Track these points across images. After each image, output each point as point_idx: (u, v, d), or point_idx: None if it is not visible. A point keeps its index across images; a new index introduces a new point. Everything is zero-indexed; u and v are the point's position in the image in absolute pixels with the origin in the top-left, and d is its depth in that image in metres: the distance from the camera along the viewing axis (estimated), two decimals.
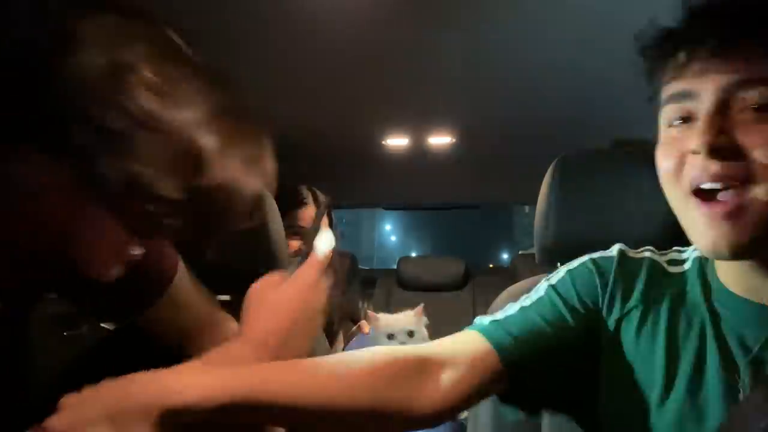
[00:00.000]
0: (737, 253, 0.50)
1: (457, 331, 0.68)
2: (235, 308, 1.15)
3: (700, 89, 0.51)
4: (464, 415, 1.24)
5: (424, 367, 0.58)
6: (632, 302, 0.62)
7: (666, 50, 0.54)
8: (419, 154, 1.86)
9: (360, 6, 0.92)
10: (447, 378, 0.58)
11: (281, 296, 0.61)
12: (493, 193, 2.65)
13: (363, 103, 1.42)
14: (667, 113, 0.55)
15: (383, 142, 1.75)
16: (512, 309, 0.65)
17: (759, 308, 0.54)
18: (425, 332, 1.29)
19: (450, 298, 2.50)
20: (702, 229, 0.51)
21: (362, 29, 1.00)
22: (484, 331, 0.61)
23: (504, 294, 1.06)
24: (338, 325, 1.61)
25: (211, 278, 1.11)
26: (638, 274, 0.63)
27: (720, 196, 0.49)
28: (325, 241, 0.66)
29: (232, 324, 0.88)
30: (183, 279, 0.79)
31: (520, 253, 3.06)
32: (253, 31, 1.01)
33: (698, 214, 0.51)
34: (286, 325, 0.59)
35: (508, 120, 1.55)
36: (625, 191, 0.88)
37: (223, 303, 1.12)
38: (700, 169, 0.50)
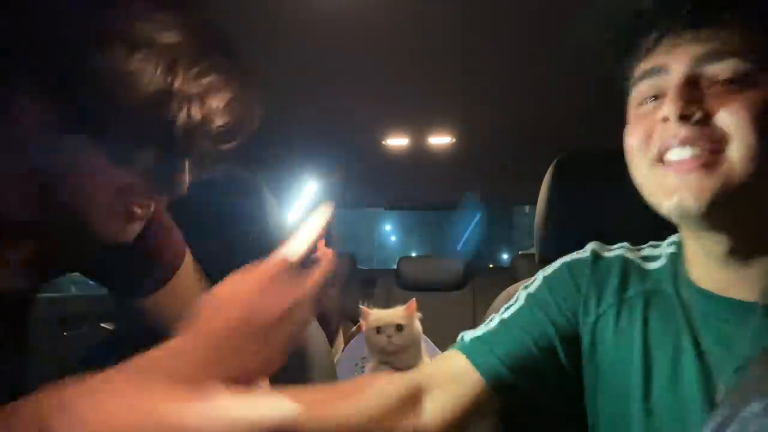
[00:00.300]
0: (705, 208, 0.49)
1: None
2: None
3: (670, 63, 0.51)
4: None
5: (416, 396, 0.59)
6: (606, 304, 0.61)
7: (638, 31, 0.54)
8: (419, 154, 1.86)
9: (360, 6, 0.92)
10: (437, 405, 0.59)
11: (237, 290, 0.54)
12: (493, 193, 2.65)
13: (363, 103, 1.42)
14: (638, 92, 0.55)
15: (383, 142, 1.75)
16: (494, 322, 0.64)
17: (729, 303, 0.54)
18: (418, 327, 1.29)
19: (450, 298, 2.50)
20: (669, 186, 0.50)
21: (363, 29, 1.00)
22: (469, 353, 0.61)
23: (504, 294, 1.06)
24: (336, 324, 1.61)
25: (209, 277, 1.11)
26: (612, 273, 0.63)
27: (688, 160, 0.49)
28: (303, 236, 0.56)
29: None
30: (189, 270, 0.79)
31: (520, 253, 3.05)
32: (253, 32, 1.00)
33: (666, 173, 0.51)
34: (233, 324, 0.52)
35: (509, 120, 1.55)
36: (625, 191, 0.88)
37: None
38: (670, 134, 0.50)
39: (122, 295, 0.75)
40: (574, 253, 0.67)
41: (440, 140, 1.74)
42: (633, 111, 0.56)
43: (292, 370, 1.02)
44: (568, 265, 0.66)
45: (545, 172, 1.06)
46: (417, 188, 2.50)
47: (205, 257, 1.10)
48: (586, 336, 0.61)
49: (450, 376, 0.60)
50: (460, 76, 1.23)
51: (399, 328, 1.25)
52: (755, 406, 0.42)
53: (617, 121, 0.66)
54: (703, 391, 0.52)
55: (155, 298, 0.72)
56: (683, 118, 0.49)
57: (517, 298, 0.66)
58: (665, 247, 0.64)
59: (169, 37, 0.48)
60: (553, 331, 0.61)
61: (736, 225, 0.51)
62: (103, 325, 1.48)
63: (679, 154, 0.49)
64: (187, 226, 1.13)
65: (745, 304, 0.53)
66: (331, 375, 1.06)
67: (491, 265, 4.70)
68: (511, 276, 2.37)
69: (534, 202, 1.08)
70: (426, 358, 1.31)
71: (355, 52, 1.10)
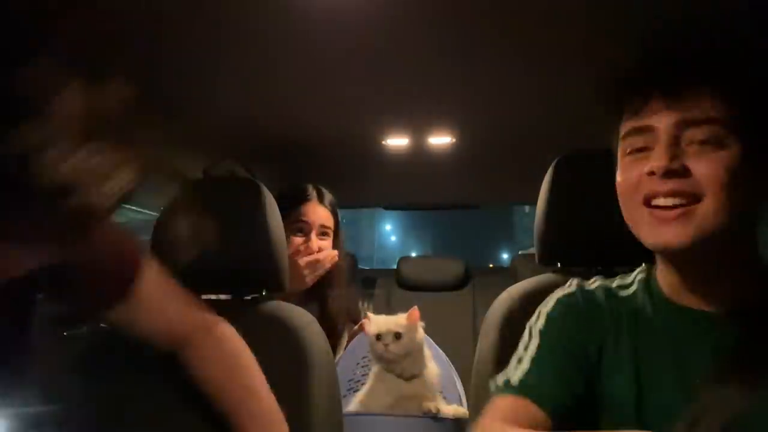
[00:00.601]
0: (682, 248, 0.61)
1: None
2: (233, 307, 1.15)
3: (655, 125, 0.63)
4: (462, 412, 1.24)
5: None
6: (603, 329, 0.71)
7: (625, 94, 0.66)
8: (419, 154, 1.86)
9: (360, 6, 0.92)
10: None
11: None
12: (493, 193, 2.65)
13: (363, 103, 1.42)
14: (627, 144, 0.67)
15: (383, 142, 1.74)
16: (525, 362, 0.72)
17: (702, 315, 0.66)
18: (419, 335, 1.27)
19: (450, 298, 2.49)
20: (654, 229, 0.63)
21: (362, 29, 1.00)
22: (531, 393, 0.68)
23: (504, 294, 1.07)
24: (342, 325, 1.60)
25: (210, 277, 1.11)
26: (600, 302, 0.74)
27: (669, 207, 0.61)
28: None
29: (226, 327, 0.88)
30: (152, 281, 0.78)
31: (520, 253, 3.05)
32: (252, 32, 1.00)
33: (652, 218, 0.63)
34: None
35: (509, 120, 1.54)
36: None
37: (221, 302, 1.12)
38: (656, 187, 0.62)
39: (79, 313, 0.76)
40: (562, 288, 0.78)
41: (440, 140, 1.73)
42: (623, 158, 0.68)
43: (291, 369, 1.02)
44: (562, 302, 0.76)
45: (545, 172, 1.06)
46: (417, 188, 2.49)
47: (206, 258, 1.10)
48: (594, 361, 0.70)
49: (526, 422, 0.66)
50: (461, 76, 1.23)
51: (397, 336, 1.23)
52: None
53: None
54: (684, 391, 0.62)
55: (119, 311, 0.73)
56: (667, 173, 0.60)
57: (531, 334, 0.75)
58: (635, 275, 0.76)
59: (62, 110, 0.46)
60: (574, 363, 0.70)
61: (710, 256, 0.63)
62: (103, 325, 1.48)
63: (663, 201, 0.61)
64: (186, 225, 1.13)
65: (714, 314, 0.65)
66: (331, 375, 1.06)
67: (491, 265, 4.71)
68: (511, 276, 2.37)
69: (534, 202, 1.08)
70: (431, 364, 1.30)
71: (355, 51, 1.10)
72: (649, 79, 0.64)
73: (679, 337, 0.66)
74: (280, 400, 0.95)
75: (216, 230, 1.06)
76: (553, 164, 1.06)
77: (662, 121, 0.62)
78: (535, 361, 0.71)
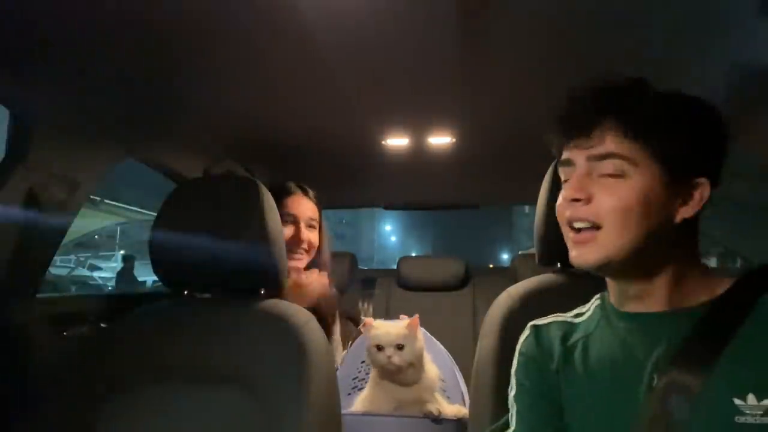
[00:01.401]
0: (590, 264, 0.73)
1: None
2: (231, 306, 1.15)
3: (575, 159, 0.75)
4: (464, 412, 1.24)
5: None
6: (559, 358, 0.80)
7: (557, 131, 0.79)
8: (419, 154, 1.86)
9: (360, 7, 0.92)
10: None
11: None
12: (493, 193, 2.65)
13: (363, 103, 1.42)
14: (561, 172, 0.80)
15: (383, 142, 1.74)
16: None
17: (646, 316, 0.74)
18: (420, 344, 1.26)
19: (450, 298, 2.49)
20: (573, 249, 0.75)
21: (362, 29, 1.00)
22: None
23: (504, 294, 1.07)
24: (333, 318, 1.59)
25: (208, 276, 1.11)
26: (553, 335, 0.83)
27: (581, 231, 0.73)
28: None
29: None
30: None
31: (520, 253, 3.04)
32: (254, 31, 1.00)
33: (572, 239, 0.75)
34: None
35: (509, 120, 1.54)
36: None
37: (220, 301, 1.12)
38: (572, 211, 0.74)
39: None
40: (520, 337, 0.86)
41: (440, 140, 1.73)
42: (562, 185, 0.79)
43: (290, 367, 1.02)
44: (522, 352, 0.85)
45: (545, 172, 1.06)
46: (417, 188, 2.49)
47: (204, 255, 1.10)
48: (558, 391, 0.79)
49: None
50: (461, 75, 1.23)
51: (399, 347, 1.22)
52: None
53: None
54: (639, 382, 0.70)
55: None
56: (576, 200, 0.73)
57: (510, 404, 0.83)
58: (591, 302, 0.85)
59: None
60: (548, 406, 0.79)
61: (623, 271, 0.74)
62: (103, 325, 1.48)
63: (577, 224, 0.74)
64: (184, 224, 1.13)
65: (661, 314, 0.74)
66: (330, 373, 1.06)
67: (491, 265, 4.71)
68: (512, 276, 2.36)
69: (534, 202, 1.08)
70: (429, 366, 1.29)
71: (356, 52, 1.10)
72: (568, 122, 0.77)
73: (631, 340, 0.74)
74: (279, 398, 0.95)
75: (214, 229, 1.07)
76: (553, 164, 1.06)
77: (577, 157, 0.75)
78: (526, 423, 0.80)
